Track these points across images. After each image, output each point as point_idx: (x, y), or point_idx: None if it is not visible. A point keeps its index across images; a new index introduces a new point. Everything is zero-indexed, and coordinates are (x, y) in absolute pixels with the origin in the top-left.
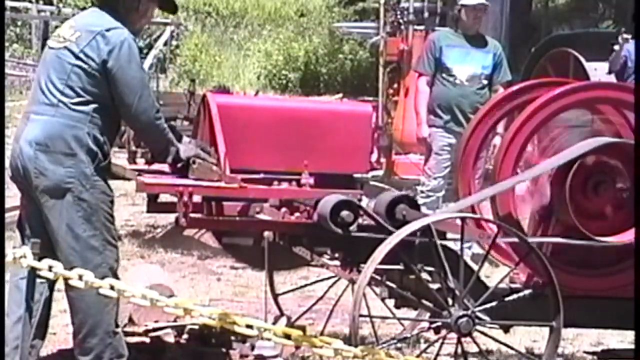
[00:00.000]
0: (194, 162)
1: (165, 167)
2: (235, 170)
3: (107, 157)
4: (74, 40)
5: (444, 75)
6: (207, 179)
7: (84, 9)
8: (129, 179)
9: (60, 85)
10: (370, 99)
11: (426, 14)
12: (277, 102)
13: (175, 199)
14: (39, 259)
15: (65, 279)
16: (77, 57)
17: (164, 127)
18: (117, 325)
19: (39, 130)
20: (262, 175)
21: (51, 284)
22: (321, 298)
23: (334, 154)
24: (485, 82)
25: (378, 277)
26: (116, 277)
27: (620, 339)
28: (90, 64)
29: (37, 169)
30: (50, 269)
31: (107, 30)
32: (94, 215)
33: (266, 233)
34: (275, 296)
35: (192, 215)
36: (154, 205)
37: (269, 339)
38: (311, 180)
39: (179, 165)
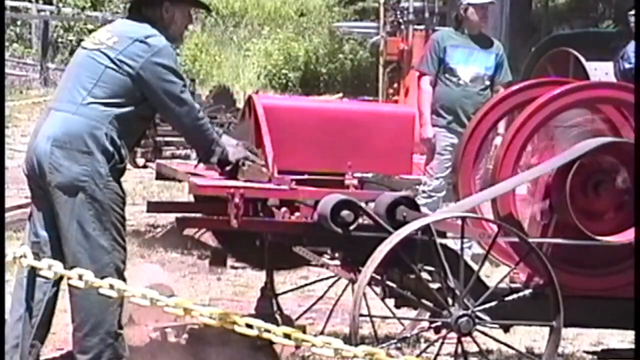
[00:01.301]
0: (243, 164)
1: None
2: (281, 172)
3: (123, 161)
4: (111, 44)
5: (447, 75)
6: (256, 180)
7: (83, 9)
8: (180, 181)
9: (89, 85)
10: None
11: (426, 14)
12: (321, 104)
13: (174, 199)
14: (48, 257)
15: (66, 279)
16: (112, 61)
17: (207, 127)
18: (120, 327)
19: (58, 126)
20: (307, 177)
21: (55, 283)
22: (321, 298)
23: (378, 156)
24: (488, 82)
25: (378, 277)
26: (122, 278)
27: (621, 339)
28: (124, 69)
29: (52, 164)
30: (50, 268)
31: (146, 37)
32: (105, 215)
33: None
34: (276, 296)
35: (244, 217)
36: (153, 206)
37: (268, 339)
38: (355, 181)
39: (228, 167)
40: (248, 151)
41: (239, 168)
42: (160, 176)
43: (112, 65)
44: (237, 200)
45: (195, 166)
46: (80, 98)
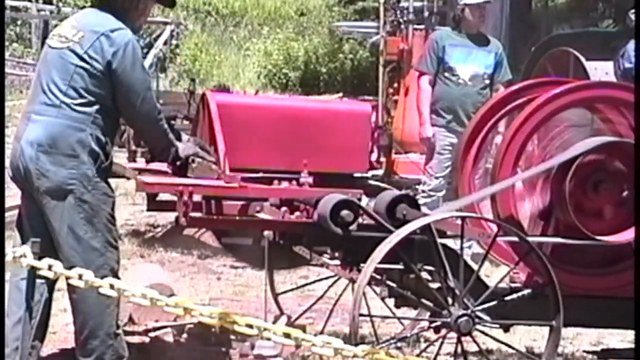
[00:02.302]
0: (193, 161)
1: (164, 167)
2: (235, 169)
3: (108, 158)
4: (77, 40)
5: (446, 74)
6: (205, 177)
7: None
8: (128, 178)
9: (63, 85)
10: (370, 98)
11: (426, 13)
12: (276, 101)
13: (174, 198)
14: (39, 259)
15: (66, 279)
16: (81, 58)
17: (165, 127)
18: (118, 327)
19: (41, 131)
20: (261, 175)
21: (51, 284)
22: (321, 297)
23: (334, 153)
24: (487, 81)
25: (378, 277)
26: (117, 278)
27: (620, 339)
28: (94, 65)
29: (38, 170)
30: (50, 268)
31: (112, 31)
32: (95, 216)
33: (266, 232)
34: (276, 295)
35: (192, 214)
36: (153, 204)
37: (268, 339)
38: (310, 180)
39: (178, 163)
40: (199, 148)
41: (188, 165)
42: (112, 175)
43: (81, 62)
44: (185, 197)
45: (147, 164)
46: (58, 101)
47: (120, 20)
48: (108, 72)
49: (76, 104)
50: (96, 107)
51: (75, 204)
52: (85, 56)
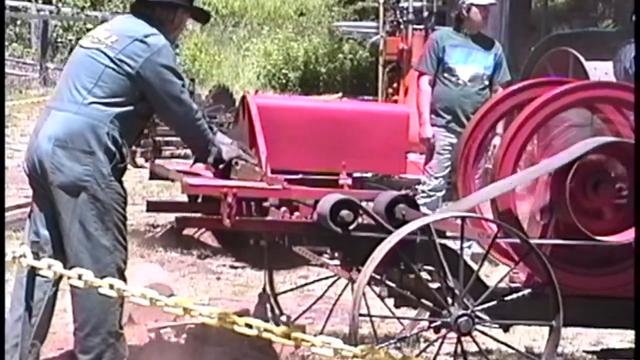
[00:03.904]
0: (236, 164)
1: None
2: (275, 171)
3: (124, 159)
4: (110, 43)
5: (446, 75)
6: (249, 180)
7: (83, 8)
8: (173, 180)
9: (89, 84)
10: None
11: (425, 13)
12: (315, 103)
13: (174, 199)
14: (49, 256)
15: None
16: (112, 60)
17: (204, 128)
18: (120, 327)
19: (60, 126)
20: (301, 176)
21: (55, 283)
22: (321, 297)
23: (372, 155)
24: (487, 82)
25: (378, 277)
26: (123, 277)
27: (620, 339)
28: (124, 68)
29: (53, 164)
30: (49, 267)
31: (146, 36)
32: (107, 214)
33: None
34: (275, 295)
35: (237, 217)
36: (153, 205)
37: (268, 339)
38: (349, 181)
39: (221, 166)
40: (241, 150)
41: (232, 167)
42: (154, 176)
43: (111, 64)
44: (230, 199)
45: (191, 165)
46: (81, 98)
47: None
48: (139, 77)
49: (98, 103)
50: (119, 108)
51: (88, 201)
52: (116, 59)
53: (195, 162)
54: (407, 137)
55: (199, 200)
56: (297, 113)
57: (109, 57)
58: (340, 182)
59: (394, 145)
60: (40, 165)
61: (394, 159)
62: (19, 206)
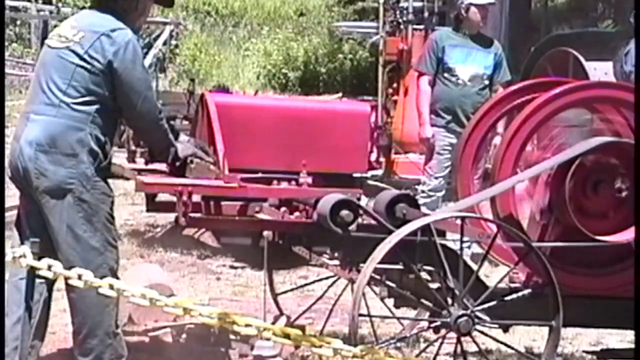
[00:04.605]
0: (191, 162)
1: (163, 167)
2: (234, 170)
3: (107, 158)
4: (78, 40)
5: (445, 75)
6: (204, 177)
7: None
8: (128, 179)
9: (63, 85)
10: (370, 98)
11: (425, 14)
12: (275, 102)
13: (174, 199)
14: (39, 259)
15: (65, 279)
16: (82, 58)
17: (165, 127)
18: (117, 326)
19: (40, 130)
20: (260, 175)
21: (50, 284)
22: (320, 297)
23: (333, 153)
24: (486, 82)
25: (377, 277)
26: (116, 277)
27: (620, 339)
28: (94, 65)
29: (37, 169)
30: (49, 268)
31: (112, 30)
32: (94, 215)
33: (265, 232)
34: (275, 296)
35: (191, 214)
36: (153, 205)
37: (268, 339)
38: (309, 180)
39: (177, 164)
40: (199, 148)
41: (187, 165)
42: (111, 175)
43: (81, 62)
44: (184, 197)
45: (147, 164)
46: (57, 100)
47: (120, 21)
48: (109, 72)
49: (76, 103)
50: (96, 106)
51: (74, 203)
52: (86, 56)
53: (152, 160)
54: (368, 134)
55: (157, 199)
56: (257, 111)
57: (78, 55)
58: (301, 180)
59: (354, 143)
60: (25, 171)
61: (355, 157)
62: (18, 206)
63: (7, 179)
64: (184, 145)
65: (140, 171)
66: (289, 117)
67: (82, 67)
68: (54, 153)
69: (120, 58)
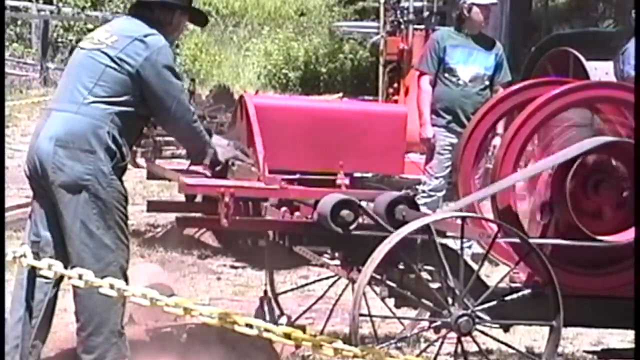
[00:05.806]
0: (233, 164)
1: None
2: (273, 171)
3: (125, 158)
4: (110, 43)
5: (446, 75)
6: (246, 180)
7: (83, 8)
8: (169, 180)
9: (90, 84)
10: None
11: (426, 13)
12: (313, 103)
13: (174, 199)
14: (50, 256)
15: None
16: (112, 60)
17: (200, 129)
18: (122, 326)
19: (60, 126)
20: (298, 176)
21: (56, 283)
22: (321, 297)
23: (369, 155)
24: (487, 82)
25: (378, 277)
26: (126, 276)
27: (621, 339)
28: (125, 68)
29: (55, 164)
30: (49, 267)
31: (145, 35)
32: (108, 213)
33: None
34: (275, 295)
35: (234, 216)
36: (153, 205)
37: (268, 339)
38: (347, 181)
39: (217, 167)
40: (239, 151)
41: (228, 168)
42: (151, 176)
43: (112, 64)
44: (227, 199)
45: (188, 166)
46: (82, 98)
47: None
48: (139, 76)
49: (98, 102)
50: (118, 108)
51: (89, 199)
52: (117, 58)
53: (191, 164)
54: (405, 136)
55: (197, 200)
56: (295, 113)
57: (109, 56)
58: (338, 182)
59: (392, 145)
60: (42, 166)
61: (392, 158)
62: (19, 206)
63: (7, 179)
64: (224, 149)
65: (182, 172)
66: (326, 118)
67: (112, 68)
68: (73, 149)
69: (153, 62)
